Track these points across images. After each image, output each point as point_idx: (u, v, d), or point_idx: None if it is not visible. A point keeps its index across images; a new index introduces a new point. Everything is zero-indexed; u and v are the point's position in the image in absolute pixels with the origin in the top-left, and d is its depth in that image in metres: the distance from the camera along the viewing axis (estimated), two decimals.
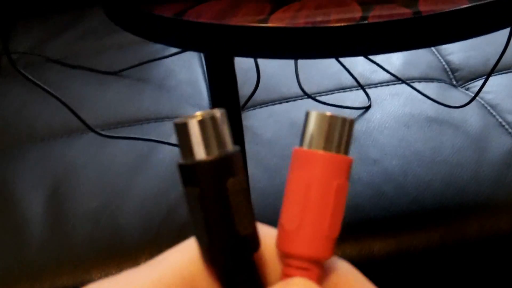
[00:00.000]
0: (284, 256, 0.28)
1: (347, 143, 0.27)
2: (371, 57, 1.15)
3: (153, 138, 1.01)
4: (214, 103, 0.78)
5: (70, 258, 0.85)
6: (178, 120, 0.25)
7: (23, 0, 1.44)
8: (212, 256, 0.26)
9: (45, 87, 0.86)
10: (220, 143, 0.25)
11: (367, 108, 1.07)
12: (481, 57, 1.18)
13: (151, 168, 0.97)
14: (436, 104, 1.05)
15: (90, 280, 0.82)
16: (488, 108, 1.05)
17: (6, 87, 1.22)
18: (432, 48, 1.23)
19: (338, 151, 0.27)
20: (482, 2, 0.56)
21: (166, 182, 0.93)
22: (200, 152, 0.25)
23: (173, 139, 1.02)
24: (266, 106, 1.10)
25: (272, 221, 0.29)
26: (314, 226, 0.27)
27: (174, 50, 1.27)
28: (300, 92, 1.10)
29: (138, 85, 1.20)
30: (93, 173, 0.97)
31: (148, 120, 1.10)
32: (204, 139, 0.25)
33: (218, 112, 0.25)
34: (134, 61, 1.24)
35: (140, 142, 1.00)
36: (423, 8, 0.56)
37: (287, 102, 1.11)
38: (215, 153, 0.25)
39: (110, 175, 0.96)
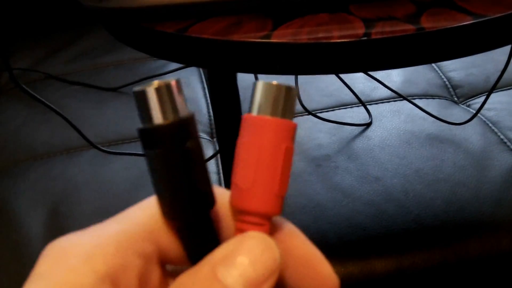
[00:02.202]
0: (238, 212, 0.30)
1: (291, 109, 0.29)
2: (371, 74, 1.15)
3: None
4: (216, 119, 0.78)
5: None
6: (136, 89, 0.27)
7: (23, 18, 1.44)
8: (174, 211, 0.28)
9: (49, 103, 0.86)
10: (177, 108, 0.27)
11: (368, 125, 1.07)
12: (481, 75, 1.18)
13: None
14: (437, 121, 1.05)
15: None
16: (490, 125, 1.05)
17: (5, 105, 1.23)
18: (433, 65, 1.23)
19: (284, 117, 0.29)
20: (485, 18, 0.56)
21: None
22: (158, 117, 0.27)
23: None
24: None
25: None
26: (266, 184, 0.29)
27: (173, 66, 1.27)
28: (300, 109, 1.10)
29: None
30: (93, 190, 0.97)
31: None
32: (162, 105, 0.27)
33: (173, 81, 0.27)
34: (134, 78, 1.24)
35: (140, 158, 1.00)
36: (426, 24, 0.56)
37: None
38: (172, 117, 0.27)
39: (110, 192, 0.96)
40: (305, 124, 1.08)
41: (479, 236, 0.88)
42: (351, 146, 1.03)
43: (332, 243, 0.87)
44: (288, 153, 0.29)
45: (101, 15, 0.65)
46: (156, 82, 0.27)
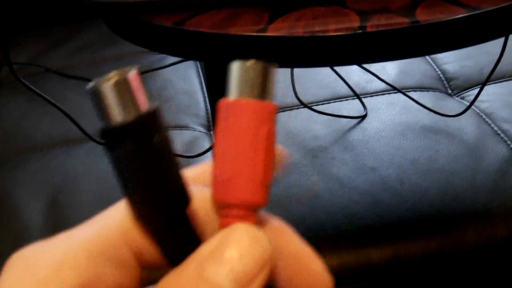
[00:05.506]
0: (221, 206, 0.27)
1: (271, 89, 0.27)
2: (366, 66, 1.16)
3: None
4: (213, 111, 0.79)
5: None
6: (91, 85, 0.25)
7: (23, 12, 1.45)
8: (144, 214, 0.26)
9: (47, 97, 0.87)
10: (137, 102, 0.25)
11: (363, 117, 1.08)
12: (476, 67, 1.19)
13: None
14: (431, 113, 1.06)
15: None
16: (484, 116, 1.05)
17: (5, 98, 1.23)
18: (427, 57, 1.23)
19: (263, 98, 0.27)
20: (479, 11, 0.57)
21: None
22: (119, 114, 0.24)
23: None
24: None
25: None
26: (249, 172, 0.27)
27: (171, 60, 1.27)
28: (296, 102, 1.10)
29: None
30: (92, 182, 0.98)
31: None
32: (121, 101, 0.24)
33: (131, 72, 0.25)
34: None
35: None
36: (421, 17, 0.57)
37: (283, 111, 1.11)
38: (134, 113, 0.25)
39: (108, 184, 0.96)
40: (301, 116, 1.09)
41: (474, 225, 0.88)
42: (347, 138, 1.03)
43: (328, 233, 0.88)
44: (270, 137, 0.27)
45: (100, 9, 0.66)
46: (112, 76, 0.24)
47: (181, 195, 0.27)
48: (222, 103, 0.27)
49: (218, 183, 0.27)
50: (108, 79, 0.24)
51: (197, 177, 0.29)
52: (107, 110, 0.24)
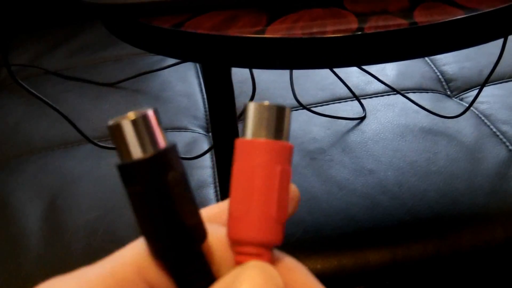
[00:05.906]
0: (235, 244, 0.28)
1: (286, 130, 0.28)
2: (365, 68, 1.16)
3: None
4: (211, 113, 0.79)
5: (67, 269, 0.85)
6: (111, 122, 0.26)
7: (22, 13, 1.45)
8: (160, 249, 0.27)
9: (45, 99, 0.87)
10: (155, 140, 0.26)
11: (362, 118, 1.08)
12: (475, 68, 1.19)
13: None
14: (430, 115, 1.06)
15: None
16: (482, 118, 1.05)
17: (4, 100, 1.23)
18: (427, 59, 1.23)
19: (278, 138, 0.28)
20: (477, 13, 0.57)
21: None
22: (137, 151, 0.25)
23: None
24: None
25: None
26: (262, 210, 0.27)
27: (170, 62, 1.27)
28: (295, 103, 1.10)
29: (135, 96, 1.20)
30: (90, 185, 0.97)
31: None
32: (139, 138, 0.25)
33: (150, 111, 0.26)
34: (131, 73, 1.24)
35: None
36: (419, 19, 0.57)
37: None
38: (151, 150, 0.26)
39: (107, 186, 0.96)
40: (299, 118, 1.09)
41: (472, 227, 0.88)
42: (345, 140, 1.03)
43: (327, 235, 0.88)
44: (284, 176, 0.28)
45: (98, 10, 0.66)
46: (131, 114, 0.26)
47: (197, 231, 0.27)
48: (238, 142, 0.28)
49: (232, 220, 0.28)
50: (127, 116, 0.25)
51: (215, 216, 0.30)
52: (126, 147, 0.26)
